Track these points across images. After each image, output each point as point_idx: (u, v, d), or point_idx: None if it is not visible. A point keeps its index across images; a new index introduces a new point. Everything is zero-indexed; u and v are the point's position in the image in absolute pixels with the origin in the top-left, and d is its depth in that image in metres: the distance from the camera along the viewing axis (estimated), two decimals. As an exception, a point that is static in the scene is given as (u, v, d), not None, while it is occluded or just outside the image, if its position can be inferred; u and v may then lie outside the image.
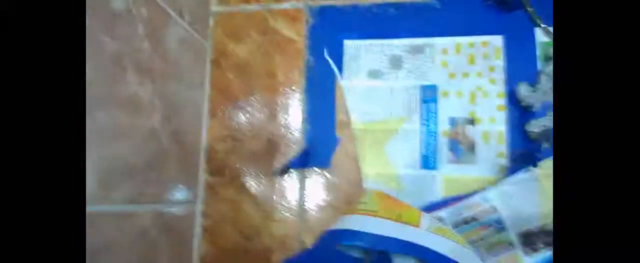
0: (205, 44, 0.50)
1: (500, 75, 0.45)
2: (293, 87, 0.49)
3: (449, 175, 0.44)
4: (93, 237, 0.31)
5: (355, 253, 0.42)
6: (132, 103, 0.36)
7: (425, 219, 0.41)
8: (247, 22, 0.51)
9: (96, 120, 0.32)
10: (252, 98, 0.49)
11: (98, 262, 0.32)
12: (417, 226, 0.40)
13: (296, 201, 0.47)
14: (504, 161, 0.43)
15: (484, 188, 0.42)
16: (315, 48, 0.50)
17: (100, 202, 0.32)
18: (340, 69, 0.48)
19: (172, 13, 0.43)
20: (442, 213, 0.43)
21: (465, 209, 0.42)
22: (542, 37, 0.45)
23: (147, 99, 0.38)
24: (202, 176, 0.48)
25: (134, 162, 0.36)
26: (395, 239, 0.39)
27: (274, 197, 0.47)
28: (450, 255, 0.38)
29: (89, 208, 0.31)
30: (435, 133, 0.45)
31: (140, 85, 0.37)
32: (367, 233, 0.39)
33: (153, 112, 0.39)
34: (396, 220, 0.40)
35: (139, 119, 0.37)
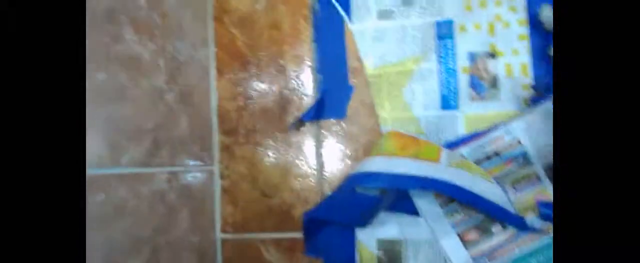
0: (205, -1, 0.48)
1: (520, 2, 0.42)
2: (301, 37, 0.47)
3: (472, 114, 0.42)
4: (104, 201, 0.30)
5: (374, 193, 0.40)
6: (133, 62, 0.35)
7: (445, 154, 0.39)
8: (246, -27, 0.48)
9: (96, 81, 0.31)
10: (259, 52, 0.47)
11: (113, 224, 0.31)
12: (437, 161, 0.38)
13: (314, 154, 0.46)
14: (529, 93, 0.41)
15: (506, 122, 0.40)
16: (320, -7, 0.47)
17: (109, 165, 0.31)
18: (348, 12, 0.46)
19: (166, -33, 0.41)
20: (464, 150, 0.41)
21: (488, 144, 0.40)
22: (565, -45, 0.41)
23: (149, 58, 0.37)
24: (216, 136, 0.47)
25: (141, 123, 0.35)
26: (413, 176, 0.37)
27: (291, 152, 0.46)
28: (472, 188, 0.37)
29: (98, 171, 0.30)
30: (454, 70, 0.43)
31: (140, 44, 0.36)
32: (384, 174, 0.38)
33: (157, 71, 0.38)
34: (414, 158, 0.39)
35: (142, 78, 0.36)
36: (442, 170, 0.38)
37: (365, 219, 0.42)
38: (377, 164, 0.39)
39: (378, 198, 0.39)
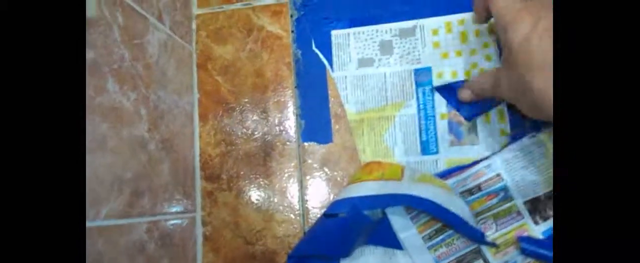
0: (190, 47, 0.49)
1: (494, 50, 0.43)
2: (284, 84, 0.48)
3: (452, 158, 0.43)
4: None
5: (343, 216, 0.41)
6: (115, 113, 0.35)
7: (407, 172, 0.41)
8: (230, 22, 0.50)
9: (76, 132, 0.31)
10: (242, 99, 0.48)
11: (92, 280, 0.30)
12: (400, 179, 0.40)
13: (297, 200, 0.46)
14: (506, 138, 0.42)
15: (487, 157, 0.41)
16: (302, 42, 0.48)
17: (90, 218, 0.31)
18: (329, 60, 0.47)
19: (151, 18, 0.42)
20: (447, 182, 0.41)
21: (469, 179, 0.41)
22: (535, 6, 0.44)
23: (131, 108, 0.37)
24: (199, 183, 0.47)
25: (122, 173, 0.35)
26: (377, 195, 0.39)
27: (275, 198, 0.46)
28: (433, 199, 0.38)
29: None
30: (433, 116, 0.44)
31: (122, 94, 0.36)
32: (349, 198, 0.40)
33: (138, 121, 0.38)
34: (379, 179, 0.40)
35: (123, 128, 0.36)
36: (405, 185, 0.39)
37: (345, 246, 0.41)
38: (346, 191, 0.41)
39: (350, 220, 0.40)
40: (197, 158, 0.48)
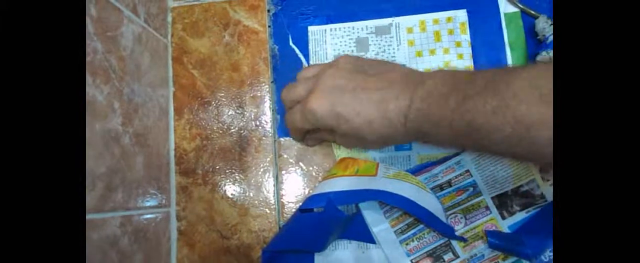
0: (165, 41, 0.48)
1: (467, 50, 0.45)
2: (260, 79, 0.48)
3: (424, 154, 0.44)
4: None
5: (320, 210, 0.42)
6: (87, 106, 0.34)
7: (382, 168, 0.42)
8: (207, 16, 0.49)
9: (47, 126, 0.30)
10: (218, 94, 0.48)
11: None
12: (375, 175, 0.41)
13: (273, 194, 0.46)
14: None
15: (457, 154, 0.42)
16: (279, 37, 0.48)
17: (60, 213, 0.30)
18: (306, 56, 0.47)
19: (125, 10, 0.41)
20: (418, 178, 0.42)
21: (440, 175, 0.42)
22: (507, 7, 0.45)
23: (104, 102, 0.37)
24: (173, 177, 0.47)
25: (94, 168, 0.35)
26: (351, 190, 0.40)
27: (250, 192, 0.46)
28: (405, 194, 0.39)
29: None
30: (407, 113, 0.45)
31: (95, 88, 0.36)
32: (325, 193, 0.40)
33: (112, 114, 0.38)
34: (354, 175, 0.41)
35: (96, 122, 0.35)
36: (379, 181, 0.40)
37: (320, 241, 0.42)
38: (321, 187, 0.42)
39: (325, 215, 0.40)
40: (172, 153, 0.47)
